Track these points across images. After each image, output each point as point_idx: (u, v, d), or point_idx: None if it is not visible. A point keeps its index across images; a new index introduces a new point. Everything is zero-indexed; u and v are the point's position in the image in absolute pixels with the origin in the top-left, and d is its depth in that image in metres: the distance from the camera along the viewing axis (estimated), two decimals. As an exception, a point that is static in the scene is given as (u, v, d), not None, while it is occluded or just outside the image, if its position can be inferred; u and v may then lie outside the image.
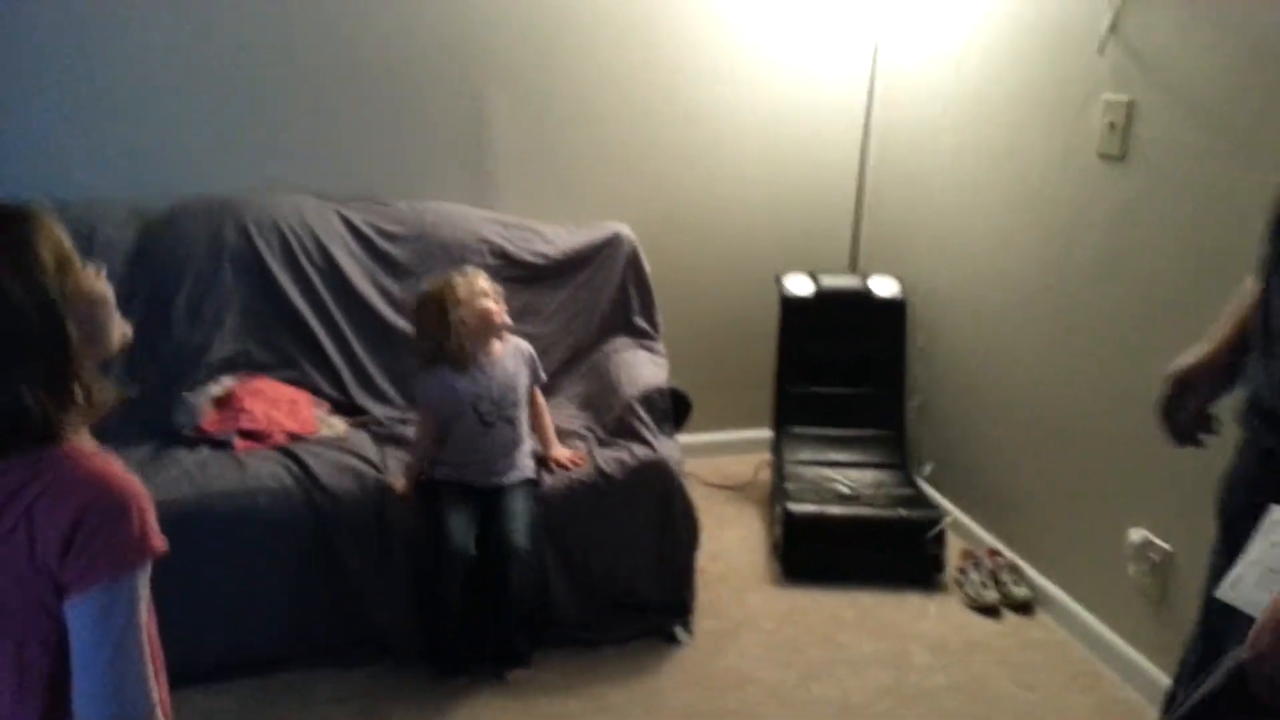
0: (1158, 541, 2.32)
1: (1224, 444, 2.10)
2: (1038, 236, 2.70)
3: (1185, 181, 2.20)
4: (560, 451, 2.56)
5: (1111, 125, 2.39)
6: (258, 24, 2.84)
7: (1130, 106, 2.34)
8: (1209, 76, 2.13)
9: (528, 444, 2.53)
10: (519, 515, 2.36)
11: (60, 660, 1.03)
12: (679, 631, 2.54)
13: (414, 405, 2.66)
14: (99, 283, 1.13)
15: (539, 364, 2.58)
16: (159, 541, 1.05)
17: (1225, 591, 1.33)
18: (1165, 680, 2.30)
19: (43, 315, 1.03)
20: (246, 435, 2.44)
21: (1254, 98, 2.02)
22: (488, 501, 2.39)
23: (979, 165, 2.93)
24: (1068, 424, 2.62)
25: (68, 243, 1.09)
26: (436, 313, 2.37)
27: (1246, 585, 1.30)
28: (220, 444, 2.42)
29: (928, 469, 3.01)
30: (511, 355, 2.51)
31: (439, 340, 2.37)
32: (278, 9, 2.84)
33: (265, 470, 2.29)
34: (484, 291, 2.41)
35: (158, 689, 1.09)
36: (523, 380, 2.51)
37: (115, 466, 1.05)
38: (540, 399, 2.62)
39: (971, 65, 2.95)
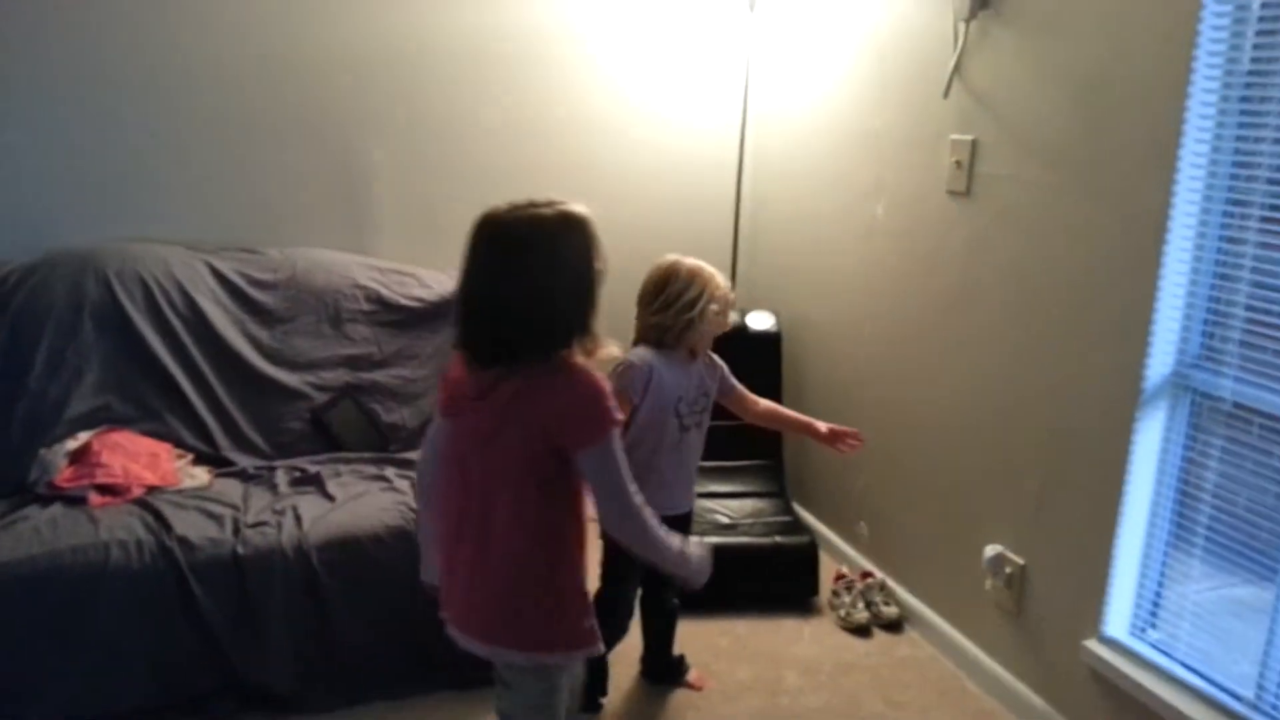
0: (1011, 556, 2.41)
1: (1064, 463, 2.23)
2: (897, 270, 2.81)
3: (1025, 214, 2.33)
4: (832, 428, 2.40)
5: (958, 164, 2.52)
6: (128, 74, 2.82)
7: (974, 145, 2.47)
8: (1042, 114, 2.26)
9: None
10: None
11: (545, 498, 1.61)
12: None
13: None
14: (604, 269, 1.72)
15: (728, 373, 2.38)
16: (618, 416, 1.61)
17: None
18: (1023, 690, 2.38)
19: (594, 280, 1.72)
20: (104, 490, 2.37)
21: (1083, 133, 2.15)
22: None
23: (844, 204, 3.05)
24: (928, 446, 2.72)
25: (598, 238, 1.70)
26: (695, 293, 2.17)
27: None
28: (75, 500, 2.34)
29: (863, 528, 3.04)
30: (705, 364, 2.30)
31: (688, 318, 2.16)
32: (147, 61, 2.83)
33: (118, 523, 2.23)
34: (729, 306, 2.26)
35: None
36: (713, 389, 2.31)
37: (594, 375, 1.62)
38: (743, 389, 2.41)
39: (834, 109, 3.08)
